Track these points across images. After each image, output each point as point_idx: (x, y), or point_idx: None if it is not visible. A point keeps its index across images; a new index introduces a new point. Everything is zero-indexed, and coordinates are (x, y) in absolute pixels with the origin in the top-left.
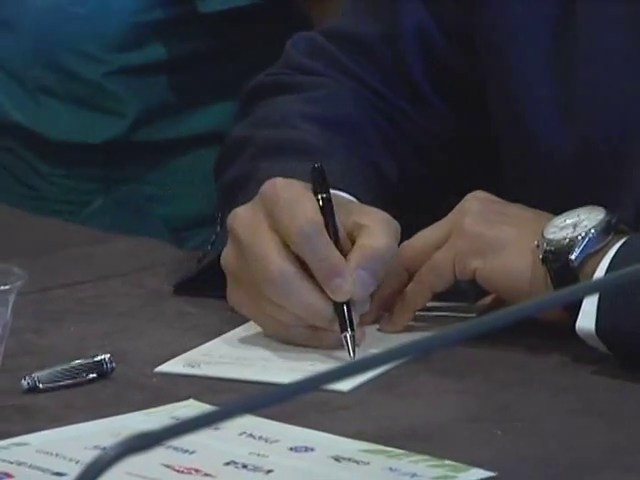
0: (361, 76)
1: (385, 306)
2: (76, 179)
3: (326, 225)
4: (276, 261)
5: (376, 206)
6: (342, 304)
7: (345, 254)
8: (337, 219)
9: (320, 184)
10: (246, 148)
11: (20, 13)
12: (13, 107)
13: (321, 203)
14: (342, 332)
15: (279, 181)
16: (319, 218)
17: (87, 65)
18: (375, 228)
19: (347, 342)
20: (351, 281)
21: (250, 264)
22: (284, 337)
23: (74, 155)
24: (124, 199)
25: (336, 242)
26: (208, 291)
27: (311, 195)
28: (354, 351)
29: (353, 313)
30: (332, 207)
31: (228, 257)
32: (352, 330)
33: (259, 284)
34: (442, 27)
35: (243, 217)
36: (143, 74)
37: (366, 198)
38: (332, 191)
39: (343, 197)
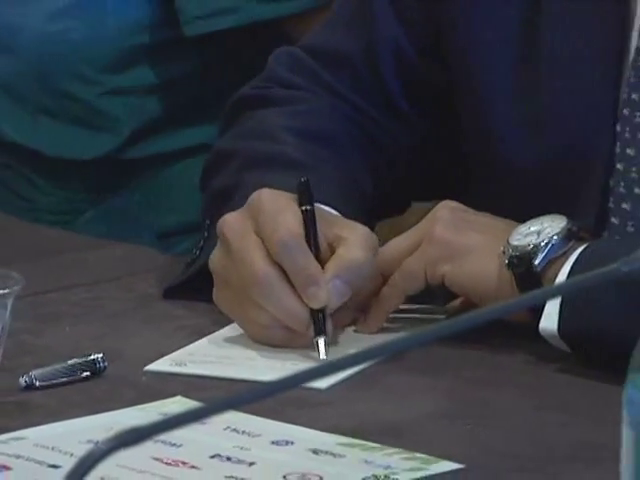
0: (340, 90)
1: (361, 308)
2: (69, 191)
3: (308, 235)
4: (261, 265)
5: (354, 216)
6: (317, 310)
7: (325, 264)
8: (319, 230)
9: (305, 197)
10: (231, 160)
11: (20, 38)
12: (12, 126)
13: (304, 215)
14: (315, 336)
15: (265, 192)
16: (299, 230)
17: (82, 87)
18: (353, 241)
19: (319, 346)
20: (326, 290)
21: (237, 267)
22: (262, 338)
23: (68, 169)
24: (115, 208)
25: (317, 252)
26: (196, 295)
27: (295, 207)
28: (325, 355)
29: (327, 319)
30: (315, 219)
31: (216, 260)
32: (325, 335)
33: (244, 286)
34: (416, 43)
35: (232, 223)
36: (134, 94)
37: (345, 209)
38: (316, 204)
39: (326, 210)
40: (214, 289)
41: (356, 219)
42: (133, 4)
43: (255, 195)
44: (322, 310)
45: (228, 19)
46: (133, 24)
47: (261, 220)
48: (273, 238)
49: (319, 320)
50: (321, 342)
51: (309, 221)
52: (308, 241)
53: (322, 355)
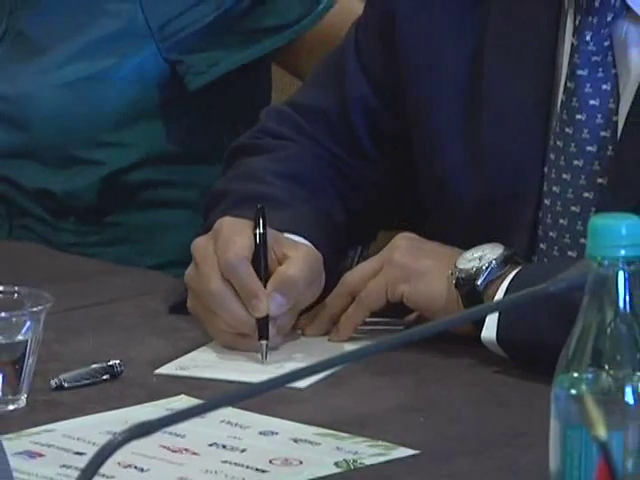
0: (319, 139)
1: (333, 321)
2: (77, 225)
3: (259, 254)
4: (215, 281)
5: (325, 244)
6: (261, 318)
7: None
8: (270, 250)
9: (259, 222)
10: (223, 199)
11: (34, 109)
12: (27, 179)
13: (257, 237)
14: (259, 340)
15: (227, 219)
16: (245, 253)
17: (93, 150)
18: (294, 259)
19: (262, 348)
20: (266, 302)
21: (200, 282)
22: (222, 341)
23: (74, 205)
24: (121, 237)
25: (265, 268)
26: None
27: (249, 231)
28: (267, 356)
29: (270, 326)
30: (266, 241)
31: (189, 275)
32: (267, 339)
33: (204, 297)
34: (380, 98)
35: (199, 245)
36: (141, 147)
37: (317, 238)
38: (281, 231)
39: (276, 233)
40: (188, 299)
41: (328, 246)
42: (143, 69)
43: (218, 222)
44: (265, 318)
45: (222, 66)
46: (141, 88)
47: (218, 243)
48: (222, 259)
49: (262, 326)
50: (263, 345)
51: (261, 242)
52: (258, 259)
53: (264, 356)
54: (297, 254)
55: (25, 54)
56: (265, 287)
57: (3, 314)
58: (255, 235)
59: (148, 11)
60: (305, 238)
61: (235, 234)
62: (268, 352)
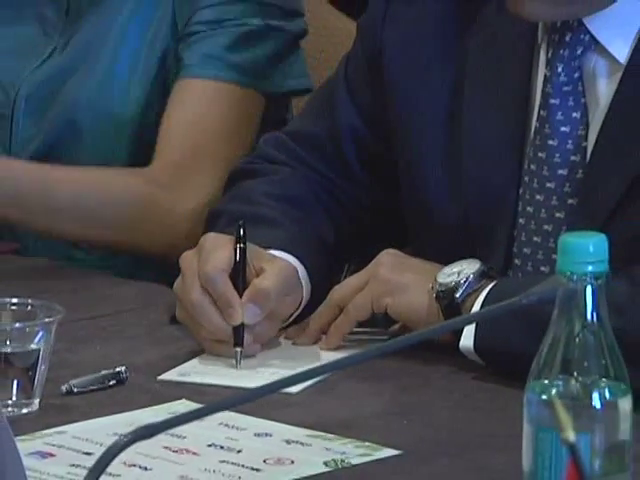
0: (312, 164)
1: (323, 331)
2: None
3: (238, 267)
4: (195, 291)
5: (313, 261)
6: (237, 327)
7: None
8: (250, 263)
9: (240, 237)
10: (219, 219)
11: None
12: None
13: (238, 251)
14: (234, 347)
15: (210, 235)
16: (224, 265)
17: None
18: (270, 272)
19: (236, 355)
20: (241, 311)
21: (184, 292)
22: (205, 347)
23: None
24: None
25: (243, 280)
26: None
27: (230, 246)
28: (240, 361)
29: (245, 334)
30: (245, 255)
31: (177, 286)
32: (241, 346)
33: (187, 306)
34: (369, 126)
35: (185, 257)
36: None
37: (304, 256)
38: (271, 248)
39: (256, 247)
40: (177, 308)
41: (316, 262)
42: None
43: (203, 237)
44: (240, 326)
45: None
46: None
47: (201, 256)
48: (201, 271)
49: (237, 334)
50: (238, 351)
51: (240, 256)
52: (237, 272)
53: (237, 361)
54: (272, 268)
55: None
56: (241, 297)
57: (17, 325)
58: (235, 250)
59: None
60: (293, 255)
61: (216, 248)
62: (243, 358)
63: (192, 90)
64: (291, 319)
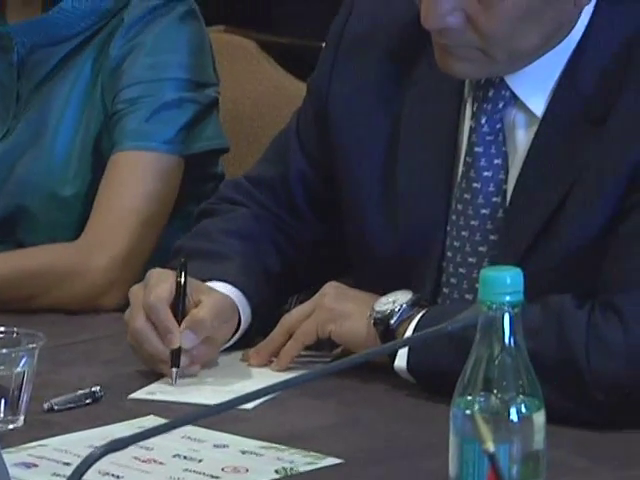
0: (265, 204)
1: (275, 354)
2: None
3: (179, 298)
4: (140, 319)
5: (258, 291)
6: (174, 350)
7: None
8: (189, 294)
9: (180, 272)
10: (180, 253)
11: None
12: None
13: (178, 285)
14: (171, 367)
15: (156, 270)
16: (165, 296)
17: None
18: (206, 303)
19: (172, 374)
20: (178, 337)
21: (130, 320)
22: (150, 367)
23: None
24: None
25: (183, 309)
26: None
27: (171, 280)
28: (176, 380)
29: (183, 356)
30: (185, 287)
31: (126, 314)
32: (177, 367)
33: (132, 333)
34: (316, 172)
35: (133, 291)
36: None
37: (249, 287)
38: (217, 280)
39: (195, 281)
40: (127, 334)
41: (261, 292)
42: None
43: (149, 272)
44: (177, 350)
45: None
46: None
47: (145, 289)
48: (144, 302)
49: (174, 356)
50: (174, 371)
51: (181, 289)
52: (178, 303)
53: (174, 380)
54: (209, 300)
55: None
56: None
57: (4, 350)
58: (177, 283)
59: None
60: (234, 286)
61: (159, 282)
62: (178, 377)
63: (117, 162)
64: (231, 342)
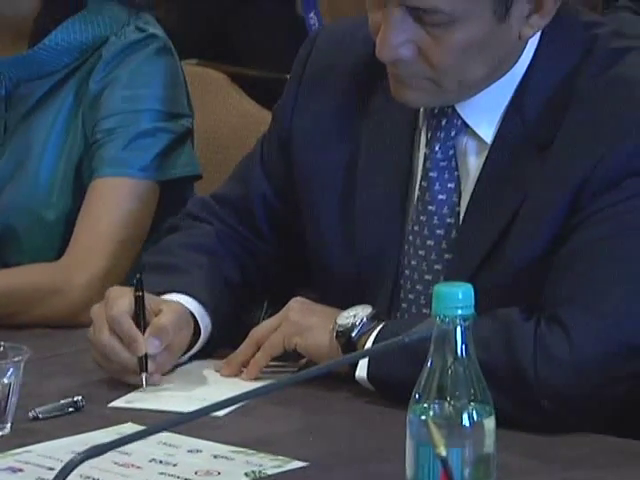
0: (227, 221)
1: (244, 365)
2: None
3: (139, 310)
4: (104, 334)
5: (217, 302)
6: (141, 357)
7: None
8: (149, 306)
9: (138, 287)
10: (144, 267)
11: None
12: None
13: (137, 299)
14: (140, 373)
15: (113, 287)
16: (125, 309)
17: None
18: (166, 312)
19: (142, 379)
20: (143, 345)
21: (94, 335)
22: (118, 377)
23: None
24: None
25: (144, 320)
26: None
27: (129, 295)
28: (146, 384)
29: (150, 362)
30: (143, 301)
31: (89, 332)
32: (145, 372)
33: (98, 347)
34: (277, 195)
35: (94, 309)
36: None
37: (207, 298)
38: (175, 292)
39: (157, 297)
40: (92, 351)
41: (219, 303)
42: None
43: (108, 290)
44: (144, 357)
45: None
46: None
47: (106, 305)
48: (107, 315)
49: (142, 363)
50: (143, 376)
51: (140, 302)
52: (138, 315)
53: (144, 384)
54: (168, 308)
55: None
56: (144, 334)
57: None
58: (135, 297)
59: None
60: (191, 296)
61: (118, 297)
62: (149, 382)
63: (96, 188)
64: (194, 350)
